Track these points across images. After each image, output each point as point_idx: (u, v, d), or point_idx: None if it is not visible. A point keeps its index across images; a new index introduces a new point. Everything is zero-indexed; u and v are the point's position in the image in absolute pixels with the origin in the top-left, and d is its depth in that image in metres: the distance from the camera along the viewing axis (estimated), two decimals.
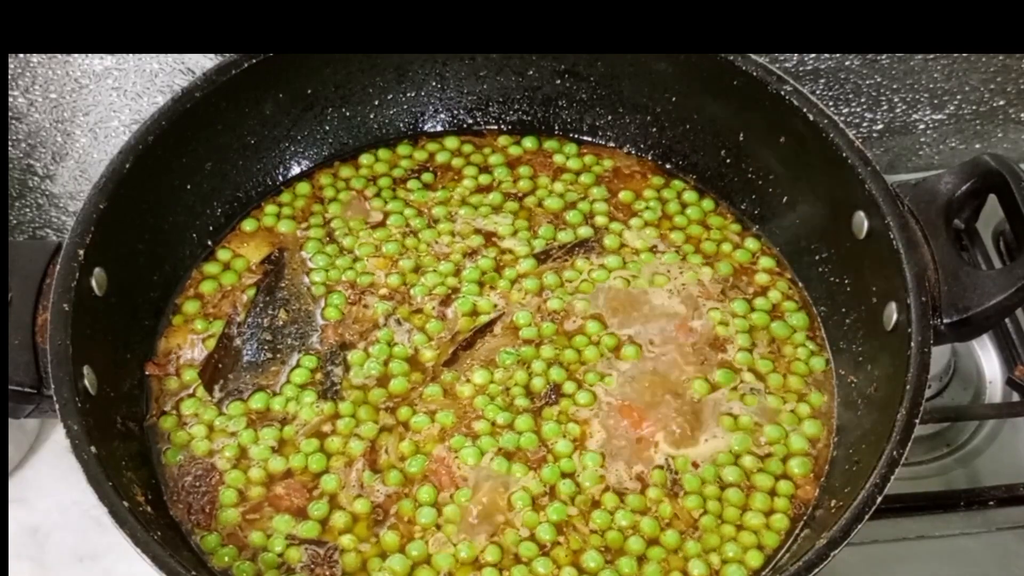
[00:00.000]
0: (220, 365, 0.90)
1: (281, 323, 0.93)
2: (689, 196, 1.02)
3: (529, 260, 0.97)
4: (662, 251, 0.98)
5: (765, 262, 0.98)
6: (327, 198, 1.01)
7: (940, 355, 1.06)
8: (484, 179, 1.03)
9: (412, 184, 1.02)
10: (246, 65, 0.92)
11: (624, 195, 1.02)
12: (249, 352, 0.91)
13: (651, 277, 0.96)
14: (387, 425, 0.87)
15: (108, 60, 1.06)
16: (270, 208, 1.00)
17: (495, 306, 0.94)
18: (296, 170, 1.02)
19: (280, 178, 1.02)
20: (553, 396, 0.89)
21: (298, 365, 0.90)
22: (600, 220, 1.00)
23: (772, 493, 0.85)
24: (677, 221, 1.00)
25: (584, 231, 0.99)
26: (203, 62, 1.06)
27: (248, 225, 0.99)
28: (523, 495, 0.84)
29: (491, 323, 0.93)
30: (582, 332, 0.93)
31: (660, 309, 0.94)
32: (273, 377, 0.90)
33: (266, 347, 0.91)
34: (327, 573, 0.80)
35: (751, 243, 0.99)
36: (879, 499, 0.73)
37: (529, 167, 1.04)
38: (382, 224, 0.99)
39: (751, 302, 0.95)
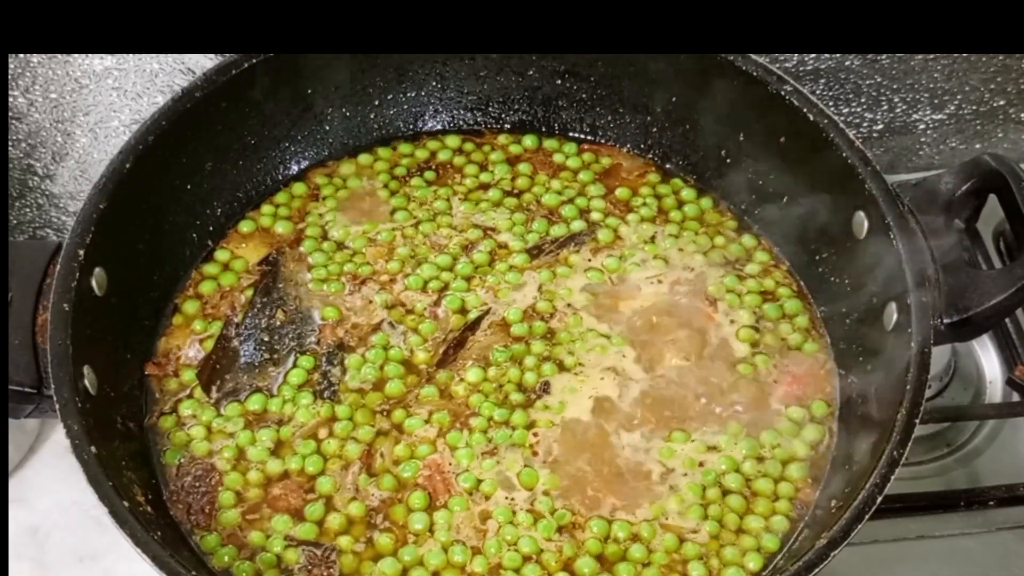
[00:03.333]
0: (218, 366, 0.90)
1: (279, 323, 0.93)
2: (687, 194, 1.02)
3: (522, 255, 0.97)
4: (657, 242, 0.98)
5: (761, 256, 0.98)
6: (325, 196, 1.01)
7: (940, 355, 1.06)
8: (485, 177, 1.03)
9: (415, 181, 1.02)
10: (246, 65, 0.92)
11: (621, 192, 1.02)
12: (246, 353, 0.91)
13: (643, 266, 0.96)
14: (383, 429, 0.87)
15: (108, 60, 1.06)
16: (267, 209, 1.00)
17: (483, 302, 0.94)
18: (296, 170, 1.02)
19: (280, 178, 1.02)
20: (546, 389, 0.89)
21: (295, 365, 0.90)
22: (596, 216, 1.00)
23: (773, 496, 0.85)
24: (673, 216, 1.01)
25: (577, 225, 0.99)
26: (203, 62, 1.06)
27: (245, 226, 0.99)
28: (513, 505, 0.84)
29: (480, 318, 0.93)
30: (574, 327, 0.93)
31: (654, 298, 0.94)
32: (270, 378, 0.90)
33: (263, 348, 0.91)
34: (325, 574, 0.80)
35: (748, 240, 0.99)
36: (879, 499, 0.73)
37: (529, 164, 1.04)
38: (382, 220, 0.99)
39: (743, 281, 0.96)
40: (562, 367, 0.91)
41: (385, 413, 0.88)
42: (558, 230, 0.99)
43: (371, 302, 0.94)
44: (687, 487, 0.85)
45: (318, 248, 0.97)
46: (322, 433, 0.87)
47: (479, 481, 0.84)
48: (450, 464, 0.85)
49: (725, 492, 0.85)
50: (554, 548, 0.82)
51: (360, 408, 0.88)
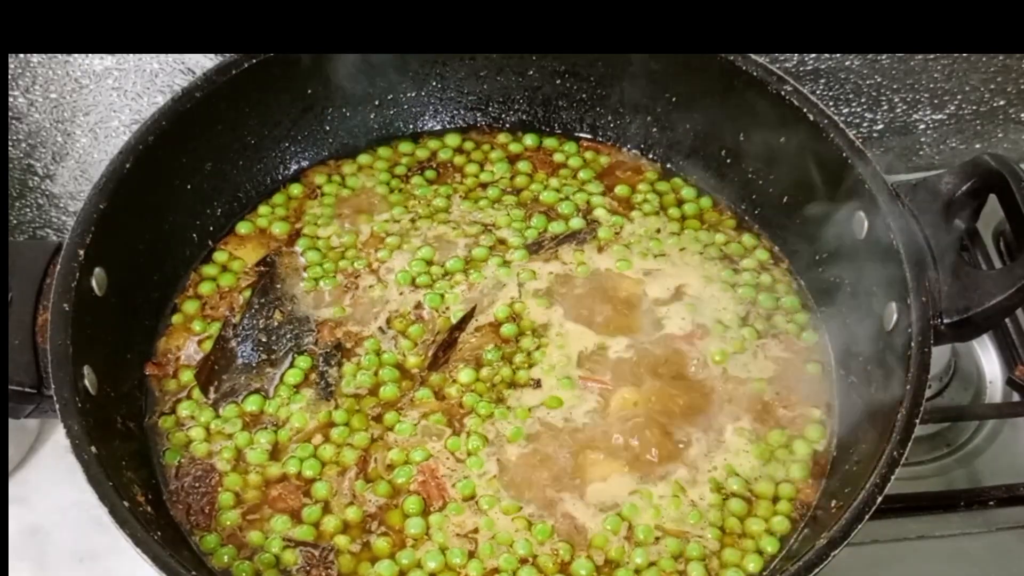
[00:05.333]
0: (216, 367, 0.90)
1: (276, 324, 0.93)
2: (687, 193, 1.02)
3: (520, 251, 0.97)
4: (656, 240, 0.98)
5: (760, 254, 0.98)
6: (325, 194, 1.01)
7: (940, 355, 1.06)
8: (485, 176, 1.03)
9: (415, 180, 1.02)
10: (246, 65, 0.92)
11: (620, 189, 1.02)
12: (244, 353, 0.91)
13: (643, 261, 0.96)
14: (377, 435, 0.87)
15: (108, 60, 1.06)
16: (263, 209, 1.00)
17: (467, 301, 0.94)
18: (295, 170, 1.02)
19: (280, 178, 1.02)
20: (538, 385, 0.89)
21: (292, 365, 0.90)
22: (597, 212, 1.00)
23: (774, 498, 0.85)
24: (672, 214, 1.01)
25: (576, 222, 0.99)
26: (203, 62, 1.06)
27: (243, 227, 0.99)
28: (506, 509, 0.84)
29: (465, 318, 0.93)
30: (565, 324, 0.93)
31: (650, 294, 0.94)
32: (267, 379, 0.90)
33: (261, 348, 0.91)
34: (323, 574, 0.80)
35: (747, 239, 0.99)
36: (879, 499, 0.73)
37: (528, 163, 1.04)
38: (379, 215, 0.99)
39: (739, 275, 0.96)
40: (554, 362, 0.90)
41: (378, 418, 0.88)
42: (557, 227, 0.99)
43: (361, 288, 0.93)
44: (686, 490, 0.85)
45: (313, 247, 0.97)
46: (318, 438, 0.87)
47: (474, 486, 0.84)
48: (444, 467, 0.85)
49: (726, 495, 0.85)
50: (550, 551, 0.82)
51: (356, 413, 0.88)
